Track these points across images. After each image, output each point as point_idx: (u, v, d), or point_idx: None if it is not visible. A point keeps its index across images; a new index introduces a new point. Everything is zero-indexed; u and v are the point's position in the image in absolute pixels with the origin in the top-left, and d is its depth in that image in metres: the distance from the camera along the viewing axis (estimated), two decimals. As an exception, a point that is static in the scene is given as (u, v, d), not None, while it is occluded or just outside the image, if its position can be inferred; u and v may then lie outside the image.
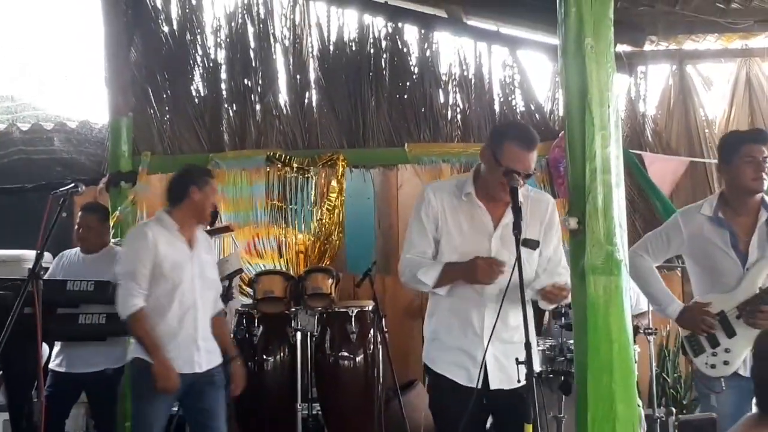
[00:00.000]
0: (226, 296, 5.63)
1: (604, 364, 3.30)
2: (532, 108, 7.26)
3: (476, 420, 3.69)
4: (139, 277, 4.38)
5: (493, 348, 3.61)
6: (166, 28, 7.41)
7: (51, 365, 5.37)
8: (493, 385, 3.66)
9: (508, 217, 3.64)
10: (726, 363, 3.99)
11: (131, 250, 4.50)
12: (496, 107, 7.27)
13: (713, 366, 4.02)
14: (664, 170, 6.91)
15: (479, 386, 3.60)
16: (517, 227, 3.35)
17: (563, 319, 5.29)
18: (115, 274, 4.60)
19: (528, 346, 3.22)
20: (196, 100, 7.37)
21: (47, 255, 5.15)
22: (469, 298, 3.70)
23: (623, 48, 7.07)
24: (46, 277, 4.83)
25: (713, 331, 4.02)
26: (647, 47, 7.22)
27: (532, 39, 7.37)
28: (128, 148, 7.09)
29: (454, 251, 3.73)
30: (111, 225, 6.06)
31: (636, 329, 5.56)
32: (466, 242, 3.72)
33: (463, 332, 3.72)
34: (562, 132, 4.96)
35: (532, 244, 3.58)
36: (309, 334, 5.82)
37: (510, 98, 7.29)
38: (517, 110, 7.29)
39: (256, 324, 5.78)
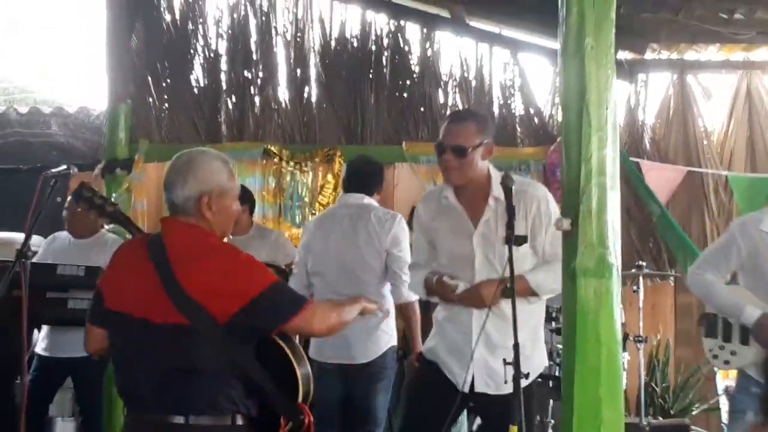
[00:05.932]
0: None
1: (591, 369, 3.23)
2: (531, 112, 7.26)
3: (450, 416, 3.69)
4: None
5: (482, 350, 3.60)
6: (168, 17, 7.39)
7: (36, 349, 5.33)
8: (479, 387, 3.65)
9: (488, 215, 3.63)
10: (726, 363, 4.05)
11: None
12: (495, 109, 7.26)
13: (715, 357, 4.10)
14: (661, 178, 6.90)
15: (465, 389, 3.61)
16: (510, 227, 3.32)
17: (554, 323, 5.26)
18: (401, 264, 4.48)
19: (516, 347, 3.19)
20: (196, 90, 7.36)
21: (38, 238, 5.12)
22: None
23: (624, 55, 7.06)
24: (35, 259, 4.78)
25: None
26: (648, 55, 7.22)
27: (533, 42, 7.35)
28: (125, 136, 7.07)
29: (444, 255, 3.77)
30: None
31: (626, 336, 5.53)
32: (452, 245, 3.74)
33: (455, 332, 3.70)
34: (560, 137, 4.94)
35: (518, 241, 3.39)
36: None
37: (509, 101, 7.29)
38: (516, 113, 7.28)
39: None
